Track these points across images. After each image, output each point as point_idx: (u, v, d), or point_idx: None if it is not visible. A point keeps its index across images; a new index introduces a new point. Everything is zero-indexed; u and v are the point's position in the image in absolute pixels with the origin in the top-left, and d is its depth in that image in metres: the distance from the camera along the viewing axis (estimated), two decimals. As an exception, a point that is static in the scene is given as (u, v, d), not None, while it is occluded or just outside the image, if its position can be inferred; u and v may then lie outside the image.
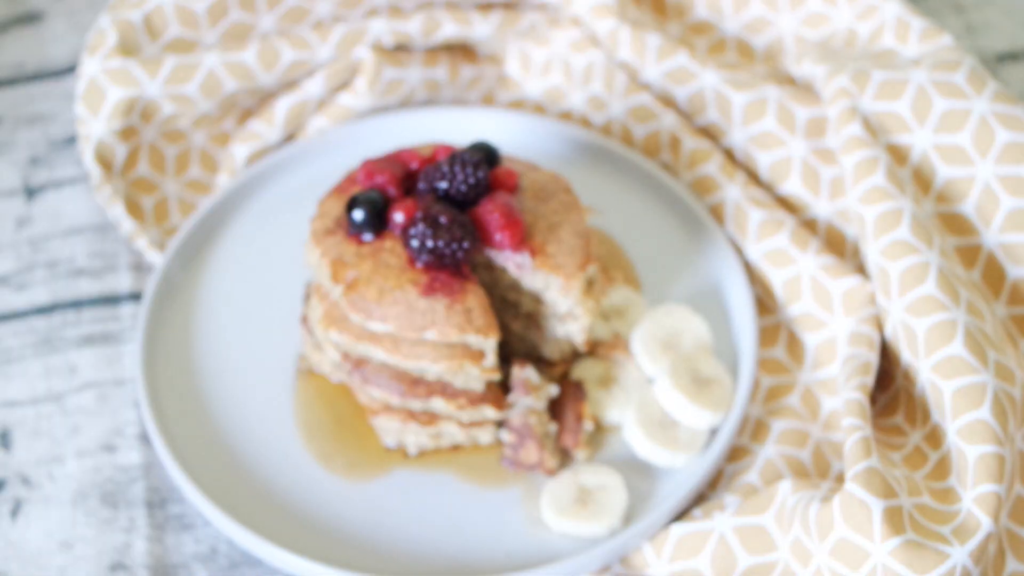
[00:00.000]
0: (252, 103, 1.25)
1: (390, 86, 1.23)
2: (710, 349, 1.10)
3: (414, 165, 1.06)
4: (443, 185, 1.02)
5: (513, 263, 1.03)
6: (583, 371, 1.10)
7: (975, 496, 0.95)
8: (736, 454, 1.07)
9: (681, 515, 1.04)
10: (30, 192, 1.25)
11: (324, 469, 1.06)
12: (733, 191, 1.17)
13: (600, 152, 1.22)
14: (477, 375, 1.03)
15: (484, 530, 1.03)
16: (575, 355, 1.11)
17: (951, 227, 1.11)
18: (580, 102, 1.26)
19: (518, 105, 1.28)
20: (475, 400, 1.04)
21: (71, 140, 1.28)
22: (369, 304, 1.00)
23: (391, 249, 1.02)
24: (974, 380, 0.99)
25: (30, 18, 1.38)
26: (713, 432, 1.06)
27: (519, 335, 1.09)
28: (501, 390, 1.06)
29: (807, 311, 1.12)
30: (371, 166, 1.05)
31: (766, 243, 1.14)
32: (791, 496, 0.99)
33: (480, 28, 1.25)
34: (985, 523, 0.94)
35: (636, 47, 1.23)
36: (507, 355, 1.10)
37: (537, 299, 1.06)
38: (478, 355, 1.02)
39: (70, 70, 1.33)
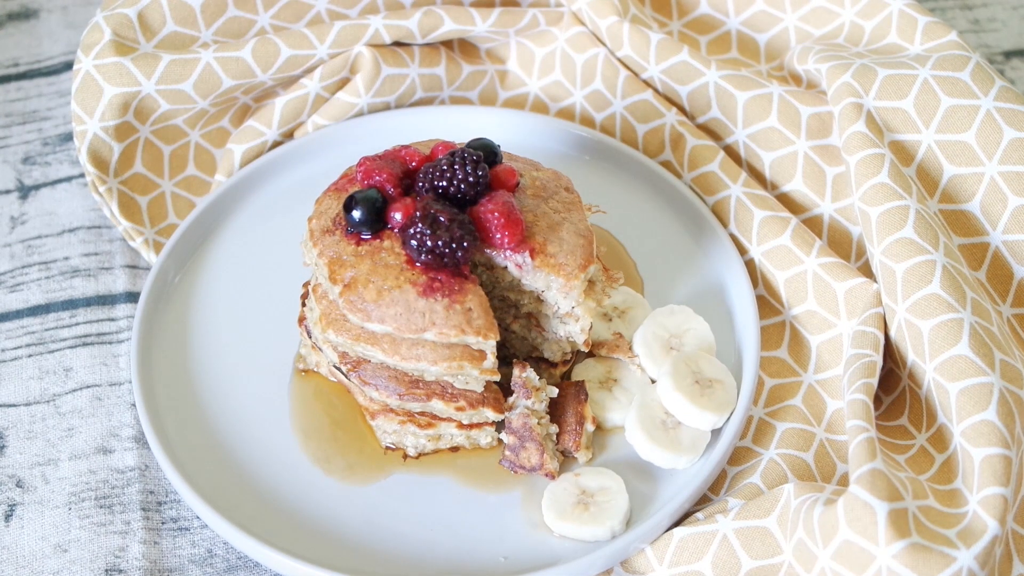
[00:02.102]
0: (249, 101, 1.24)
1: (389, 83, 1.22)
2: (713, 350, 1.09)
3: (413, 163, 1.05)
4: (442, 184, 1.01)
5: (513, 263, 1.03)
6: (584, 372, 1.09)
7: (981, 499, 0.95)
8: (739, 456, 1.07)
9: (683, 518, 1.03)
10: (24, 191, 1.24)
11: (322, 471, 1.05)
12: (736, 190, 1.16)
13: (601, 150, 1.21)
14: (476, 376, 1.02)
15: (484, 533, 1.02)
16: (576, 356, 1.10)
17: (957, 226, 1.11)
18: (581, 99, 1.25)
19: (519, 102, 1.28)
20: (474, 402, 1.03)
21: (66, 138, 1.27)
22: (367, 304, 1.00)
23: (390, 248, 1.01)
24: (980, 381, 0.99)
25: (24, 15, 1.38)
26: (716, 434, 1.06)
27: (519, 335, 1.09)
28: (501, 391, 1.06)
29: (811, 311, 1.11)
30: (369, 164, 1.04)
31: (769, 243, 1.13)
32: (794, 498, 0.99)
33: (480, 25, 1.24)
34: (991, 526, 0.93)
35: (638, 44, 1.22)
36: (507, 356, 1.09)
37: (538, 299, 1.05)
38: (478, 356, 1.01)
39: (65, 67, 1.33)
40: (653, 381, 1.09)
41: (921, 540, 0.92)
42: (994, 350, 1.01)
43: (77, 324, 1.15)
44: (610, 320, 1.12)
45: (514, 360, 1.07)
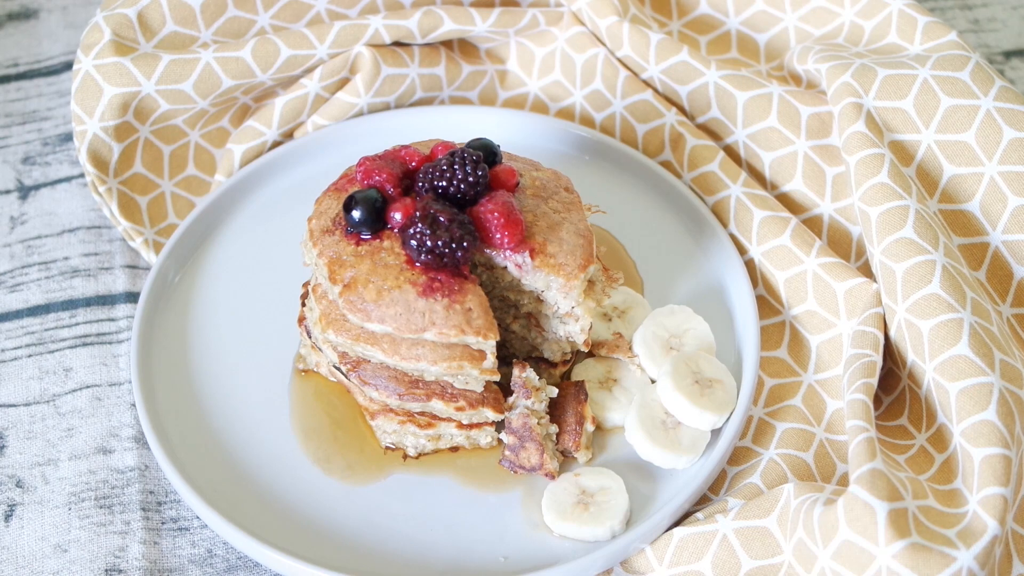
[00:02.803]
0: (249, 101, 1.24)
1: (389, 83, 1.22)
2: (713, 350, 1.09)
3: (413, 163, 1.05)
4: (442, 184, 1.01)
5: (513, 263, 1.03)
6: (584, 372, 1.09)
7: (981, 499, 0.95)
8: (739, 456, 1.07)
9: (683, 518, 1.03)
10: (24, 191, 1.24)
11: (322, 471, 1.05)
12: (736, 190, 1.16)
13: (601, 150, 1.21)
14: (476, 376, 1.02)
15: (484, 533, 1.02)
16: (576, 356, 1.10)
17: (957, 226, 1.11)
18: (581, 99, 1.25)
19: (519, 102, 1.27)
20: (474, 402, 1.03)
21: (66, 138, 1.27)
22: (367, 304, 1.00)
23: (390, 248, 1.01)
24: (980, 381, 0.99)
25: (24, 15, 1.38)
26: (715, 434, 1.05)
27: (519, 335, 1.09)
28: (501, 391, 1.06)
29: (811, 311, 1.11)
30: (369, 164, 1.04)
31: (769, 243, 1.13)
32: (794, 498, 0.99)
33: (480, 25, 1.24)
34: (991, 526, 0.93)
35: (638, 44, 1.22)
36: (507, 356, 1.09)
37: (538, 299, 1.05)
38: (478, 356, 1.01)
39: (65, 67, 1.32)
40: (653, 381, 1.08)
41: (921, 540, 0.92)
42: (994, 350, 1.00)
43: (77, 324, 1.15)
44: (610, 320, 1.11)
45: (514, 360, 1.07)
